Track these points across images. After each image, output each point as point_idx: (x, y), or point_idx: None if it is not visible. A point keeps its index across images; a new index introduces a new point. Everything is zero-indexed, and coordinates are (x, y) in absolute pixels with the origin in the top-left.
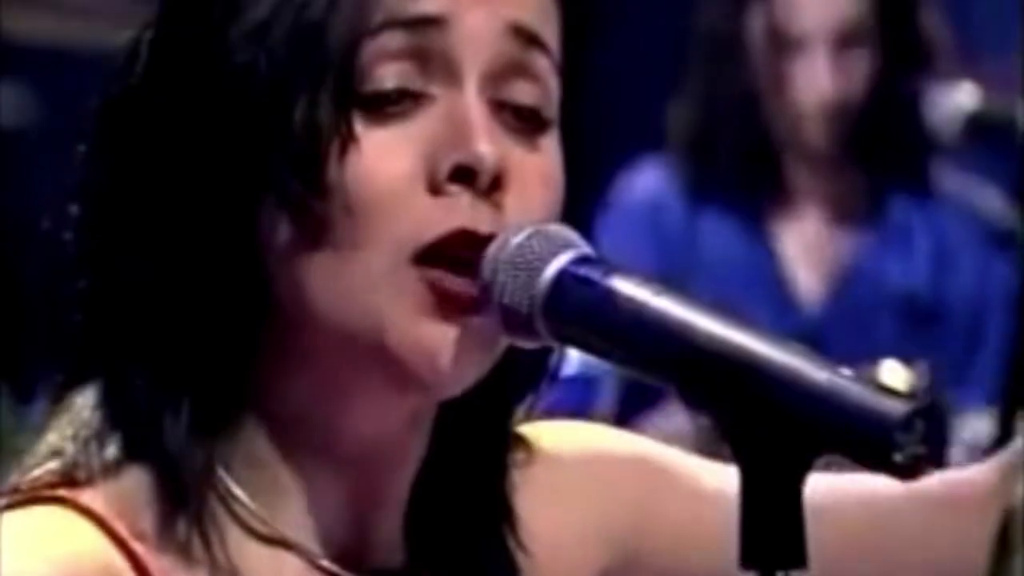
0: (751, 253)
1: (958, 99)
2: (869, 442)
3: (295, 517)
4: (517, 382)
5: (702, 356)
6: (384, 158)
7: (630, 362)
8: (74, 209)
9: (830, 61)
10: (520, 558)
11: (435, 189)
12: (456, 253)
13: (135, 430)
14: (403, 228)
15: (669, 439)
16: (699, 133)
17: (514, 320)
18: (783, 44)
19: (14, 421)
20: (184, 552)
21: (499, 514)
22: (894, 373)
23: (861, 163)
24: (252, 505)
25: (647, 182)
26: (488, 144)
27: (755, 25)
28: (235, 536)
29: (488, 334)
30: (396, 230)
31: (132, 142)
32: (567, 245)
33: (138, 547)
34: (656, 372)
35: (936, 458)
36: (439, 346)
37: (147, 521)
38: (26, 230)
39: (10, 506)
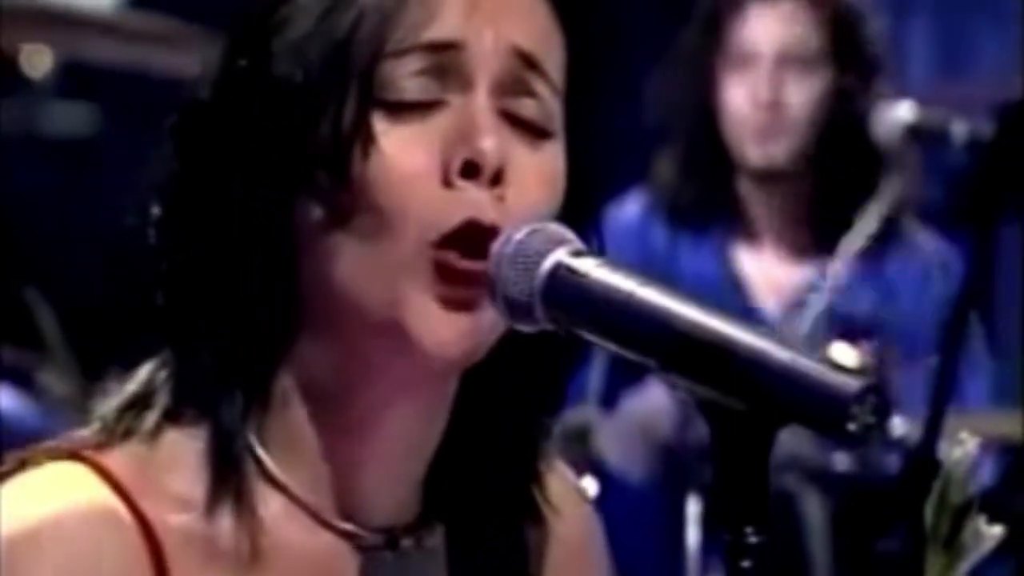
0: (720, 280)
1: (898, 112)
2: (827, 414)
3: (317, 482)
4: (546, 367)
5: (681, 339)
6: (403, 153)
7: (617, 343)
8: (154, 209)
9: (774, 78)
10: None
11: (447, 182)
12: (466, 240)
13: (196, 402)
14: (420, 217)
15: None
16: (675, 178)
17: (516, 308)
18: (732, 61)
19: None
20: (208, 514)
21: (527, 479)
22: (844, 353)
23: (813, 182)
24: (277, 470)
25: (633, 210)
26: (492, 142)
27: (711, 43)
28: (260, 500)
29: (490, 323)
30: (413, 219)
31: (198, 148)
32: (562, 241)
33: (145, 503)
34: (640, 352)
35: (881, 428)
36: (448, 332)
37: (172, 483)
38: (96, 220)
39: (34, 463)
